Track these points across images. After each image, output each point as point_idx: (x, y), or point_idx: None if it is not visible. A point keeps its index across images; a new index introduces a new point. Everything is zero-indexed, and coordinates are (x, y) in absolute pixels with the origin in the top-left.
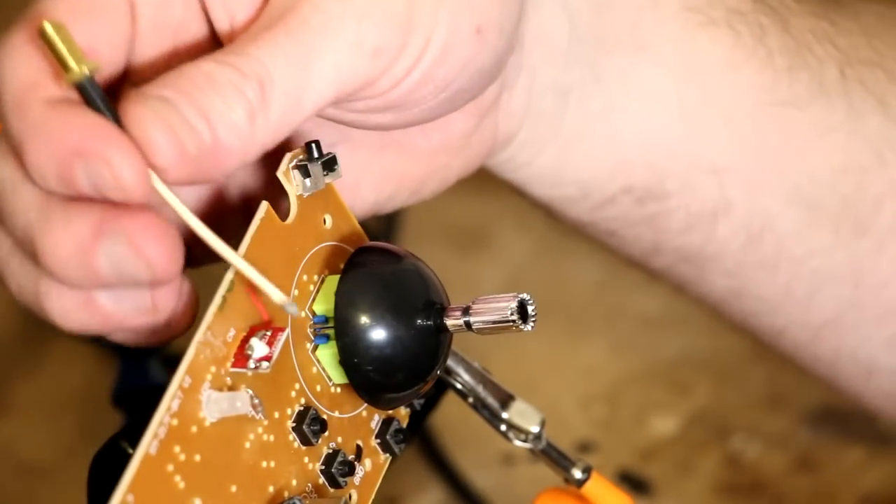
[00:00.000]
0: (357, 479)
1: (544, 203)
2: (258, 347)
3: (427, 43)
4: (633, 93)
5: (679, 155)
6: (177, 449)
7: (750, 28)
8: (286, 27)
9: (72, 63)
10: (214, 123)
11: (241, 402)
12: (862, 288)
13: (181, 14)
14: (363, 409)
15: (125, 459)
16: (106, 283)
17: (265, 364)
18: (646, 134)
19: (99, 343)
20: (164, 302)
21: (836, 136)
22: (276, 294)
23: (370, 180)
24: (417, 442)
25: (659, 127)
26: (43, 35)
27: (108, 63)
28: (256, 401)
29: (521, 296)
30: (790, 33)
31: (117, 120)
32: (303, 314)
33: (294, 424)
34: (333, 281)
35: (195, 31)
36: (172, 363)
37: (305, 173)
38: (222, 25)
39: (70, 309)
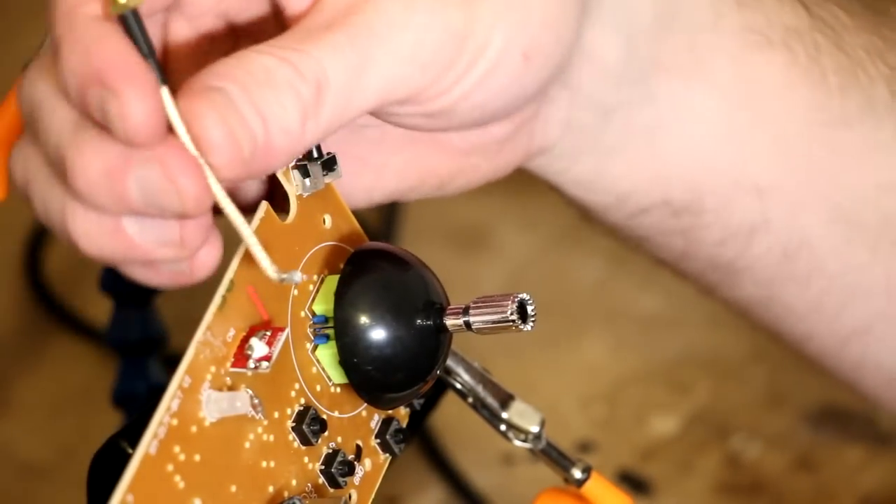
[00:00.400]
0: (357, 478)
1: (580, 206)
2: (258, 347)
3: (475, 62)
4: (683, 113)
5: (722, 173)
6: (176, 449)
7: (805, 48)
8: (349, 31)
9: None
10: (269, 124)
11: (241, 401)
12: (895, 302)
13: None
14: (363, 409)
15: (125, 459)
16: (133, 209)
17: (265, 364)
18: (690, 152)
19: (100, 340)
20: (192, 237)
21: (882, 154)
22: (271, 269)
23: (396, 167)
24: (417, 442)
25: (704, 146)
26: None
27: None
28: (256, 401)
29: (520, 296)
30: (844, 51)
31: (153, 57)
32: (303, 314)
33: (294, 424)
34: (333, 281)
35: None
36: (172, 363)
37: (305, 173)
38: None
39: (95, 233)
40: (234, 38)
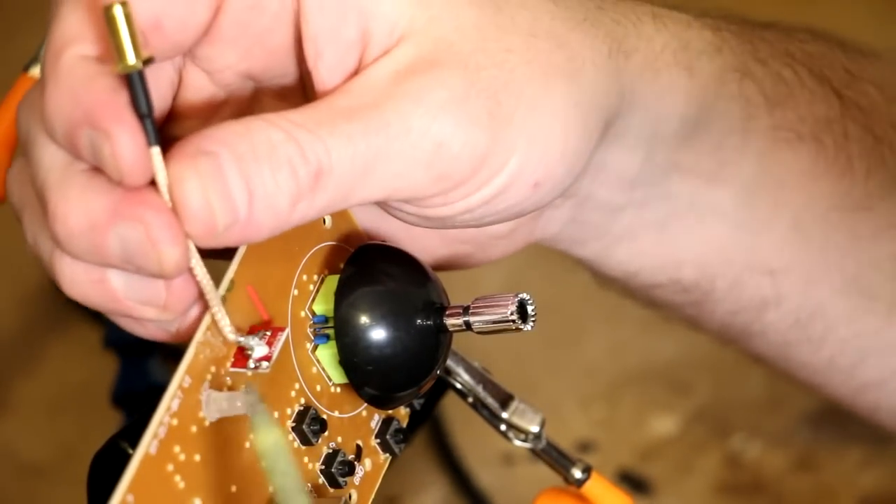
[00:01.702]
0: (357, 478)
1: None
2: (258, 347)
3: (486, 183)
4: (699, 207)
5: (734, 259)
6: (176, 449)
7: (835, 137)
8: (366, 124)
9: (128, 53)
10: (255, 200)
11: (241, 402)
12: None
13: (269, 23)
14: (363, 409)
15: (125, 460)
16: (110, 263)
17: (265, 364)
18: (701, 240)
19: (102, 344)
20: (177, 302)
21: None
22: (231, 333)
23: (395, 242)
24: (423, 440)
25: (717, 234)
26: (108, 16)
27: (171, 43)
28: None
29: (520, 295)
30: (872, 132)
31: (150, 117)
32: (303, 314)
33: (294, 424)
34: (333, 281)
35: (277, 42)
36: (174, 356)
37: None
38: (309, 56)
39: (80, 281)
40: (256, 92)
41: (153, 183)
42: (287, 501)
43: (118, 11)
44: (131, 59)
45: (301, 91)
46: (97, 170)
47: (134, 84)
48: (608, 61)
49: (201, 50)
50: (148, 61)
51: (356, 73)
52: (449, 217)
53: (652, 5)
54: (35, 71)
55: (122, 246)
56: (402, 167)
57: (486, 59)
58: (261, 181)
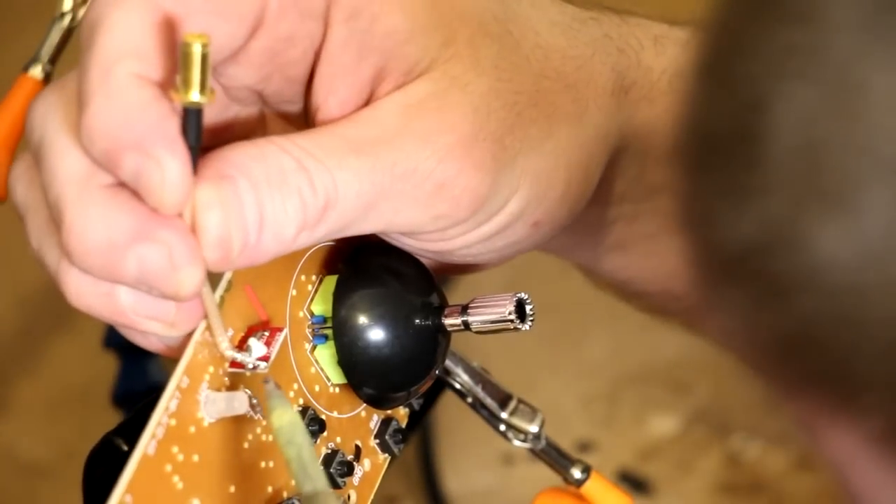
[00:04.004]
0: (356, 479)
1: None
2: (256, 347)
3: (484, 221)
4: None
5: None
6: (175, 449)
7: None
8: (373, 162)
9: (196, 88)
10: (265, 227)
11: (239, 402)
12: None
13: (296, 56)
14: (362, 409)
15: (120, 457)
16: (122, 282)
17: (263, 364)
18: None
19: (102, 344)
20: (186, 320)
21: None
22: (228, 349)
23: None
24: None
25: None
26: (186, 51)
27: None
28: (254, 401)
29: (518, 295)
30: None
31: (196, 151)
32: (301, 314)
33: None
34: (332, 281)
35: (295, 73)
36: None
37: None
38: (320, 92)
39: (87, 293)
40: (263, 108)
41: None
42: (303, 471)
43: (197, 48)
44: (197, 95)
45: (304, 116)
46: (120, 186)
47: (191, 118)
48: (610, 100)
49: (226, 67)
50: (210, 100)
51: (365, 105)
52: (447, 251)
53: (655, 26)
54: (35, 71)
55: (139, 267)
56: (401, 205)
57: (496, 101)
58: (272, 209)
